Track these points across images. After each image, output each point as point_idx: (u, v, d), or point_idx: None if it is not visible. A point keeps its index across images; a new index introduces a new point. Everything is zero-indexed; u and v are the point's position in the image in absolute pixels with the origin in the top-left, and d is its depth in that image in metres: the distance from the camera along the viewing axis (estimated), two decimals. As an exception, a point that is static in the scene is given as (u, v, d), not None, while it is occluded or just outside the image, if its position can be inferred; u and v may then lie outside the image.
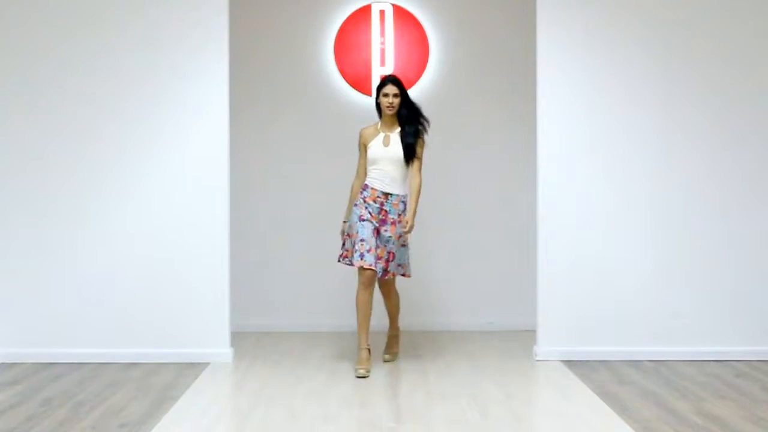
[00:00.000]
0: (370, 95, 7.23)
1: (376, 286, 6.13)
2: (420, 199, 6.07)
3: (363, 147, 6.07)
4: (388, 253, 5.95)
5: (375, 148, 6.00)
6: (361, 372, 5.71)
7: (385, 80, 6.03)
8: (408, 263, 6.11)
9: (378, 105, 6.06)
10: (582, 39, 6.20)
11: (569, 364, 6.03)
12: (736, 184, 6.23)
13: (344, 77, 7.38)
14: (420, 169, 5.99)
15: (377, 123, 6.11)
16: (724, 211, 6.22)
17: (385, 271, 5.95)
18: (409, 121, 6.00)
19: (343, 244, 6.06)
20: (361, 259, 5.84)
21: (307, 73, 7.42)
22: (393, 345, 6.28)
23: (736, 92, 6.22)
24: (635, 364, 6.04)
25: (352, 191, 6.08)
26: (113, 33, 6.13)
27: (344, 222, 6.11)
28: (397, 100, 5.98)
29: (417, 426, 4.65)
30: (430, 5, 7.43)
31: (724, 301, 6.22)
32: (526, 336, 6.77)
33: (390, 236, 5.94)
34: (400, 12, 7.39)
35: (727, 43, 6.22)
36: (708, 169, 6.23)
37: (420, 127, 6.01)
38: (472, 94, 7.42)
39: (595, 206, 6.21)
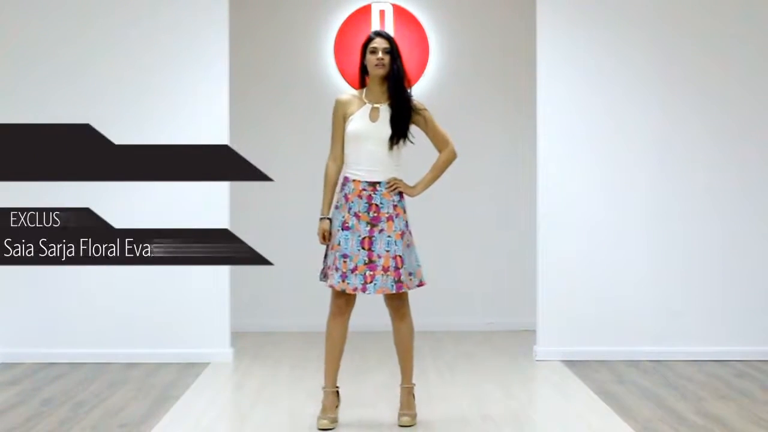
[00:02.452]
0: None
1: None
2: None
3: (342, 120, 4.68)
4: (395, 258, 4.53)
5: (359, 122, 4.62)
6: (324, 424, 4.57)
7: (373, 34, 4.67)
8: (420, 267, 4.67)
9: (364, 68, 4.67)
10: (582, 40, 6.20)
11: (569, 364, 6.03)
12: (735, 185, 6.22)
13: (344, 77, 7.37)
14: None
15: (361, 92, 4.72)
16: (723, 212, 6.22)
17: (399, 282, 4.53)
18: (397, 93, 4.62)
19: (325, 257, 4.69)
20: (343, 280, 4.53)
21: (307, 73, 7.42)
22: (410, 401, 4.73)
23: (734, 94, 6.22)
24: (635, 364, 6.04)
25: (327, 177, 4.69)
26: (113, 34, 6.14)
27: (323, 219, 4.65)
28: (388, 58, 4.57)
29: (417, 426, 4.64)
30: (430, 5, 7.43)
31: (724, 302, 6.22)
32: (526, 336, 6.76)
33: (390, 236, 4.55)
34: (400, 12, 7.39)
35: (727, 46, 6.21)
36: (707, 168, 6.22)
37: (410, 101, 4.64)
38: (472, 93, 7.42)
39: (595, 206, 6.21)
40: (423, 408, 4.88)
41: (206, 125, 6.13)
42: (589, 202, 6.21)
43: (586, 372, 5.81)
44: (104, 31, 6.14)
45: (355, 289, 4.54)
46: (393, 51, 4.60)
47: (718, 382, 5.56)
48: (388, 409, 4.93)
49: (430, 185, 4.74)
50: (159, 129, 6.13)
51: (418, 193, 4.70)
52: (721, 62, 6.22)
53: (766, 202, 6.23)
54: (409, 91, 4.66)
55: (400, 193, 4.64)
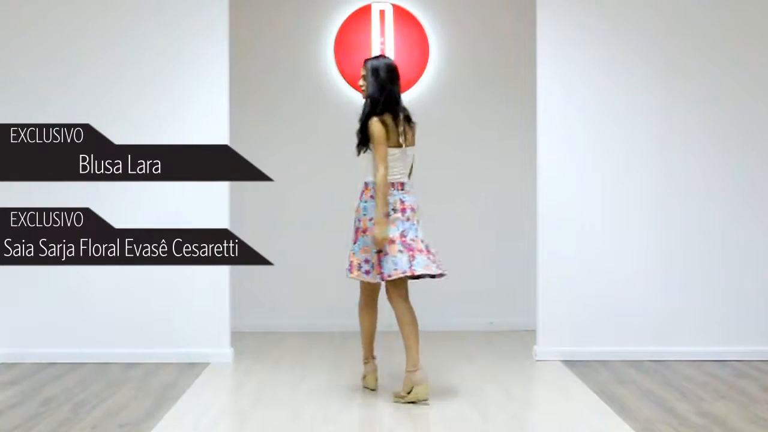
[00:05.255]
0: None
1: (377, 296, 5.35)
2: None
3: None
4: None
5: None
6: (369, 381, 5.36)
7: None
8: None
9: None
10: (582, 42, 6.20)
11: (569, 364, 6.03)
12: (735, 185, 6.23)
13: (344, 77, 7.38)
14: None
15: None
16: (723, 212, 6.22)
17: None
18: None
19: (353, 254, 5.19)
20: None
21: (307, 73, 7.42)
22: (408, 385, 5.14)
23: (734, 96, 6.22)
24: (635, 364, 6.04)
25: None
26: (114, 34, 6.15)
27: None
28: (364, 83, 5.26)
29: (417, 426, 4.65)
30: (430, 5, 7.43)
31: (724, 302, 6.22)
32: (526, 336, 6.77)
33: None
34: (400, 12, 7.39)
35: (727, 50, 6.22)
36: (706, 169, 6.23)
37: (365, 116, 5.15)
38: (472, 94, 7.42)
39: (595, 207, 6.21)
40: (423, 408, 4.89)
41: (206, 125, 6.13)
42: (589, 203, 6.21)
43: (586, 372, 5.81)
44: (105, 31, 6.15)
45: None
46: (366, 71, 5.25)
47: (718, 382, 5.57)
48: (387, 409, 4.94)
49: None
50: (159, 129, 6.12)
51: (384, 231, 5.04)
52: (721, 64, 6.21)
53: (765, 202, 6.23)
54: (365, 102, 5.18)
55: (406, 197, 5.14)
